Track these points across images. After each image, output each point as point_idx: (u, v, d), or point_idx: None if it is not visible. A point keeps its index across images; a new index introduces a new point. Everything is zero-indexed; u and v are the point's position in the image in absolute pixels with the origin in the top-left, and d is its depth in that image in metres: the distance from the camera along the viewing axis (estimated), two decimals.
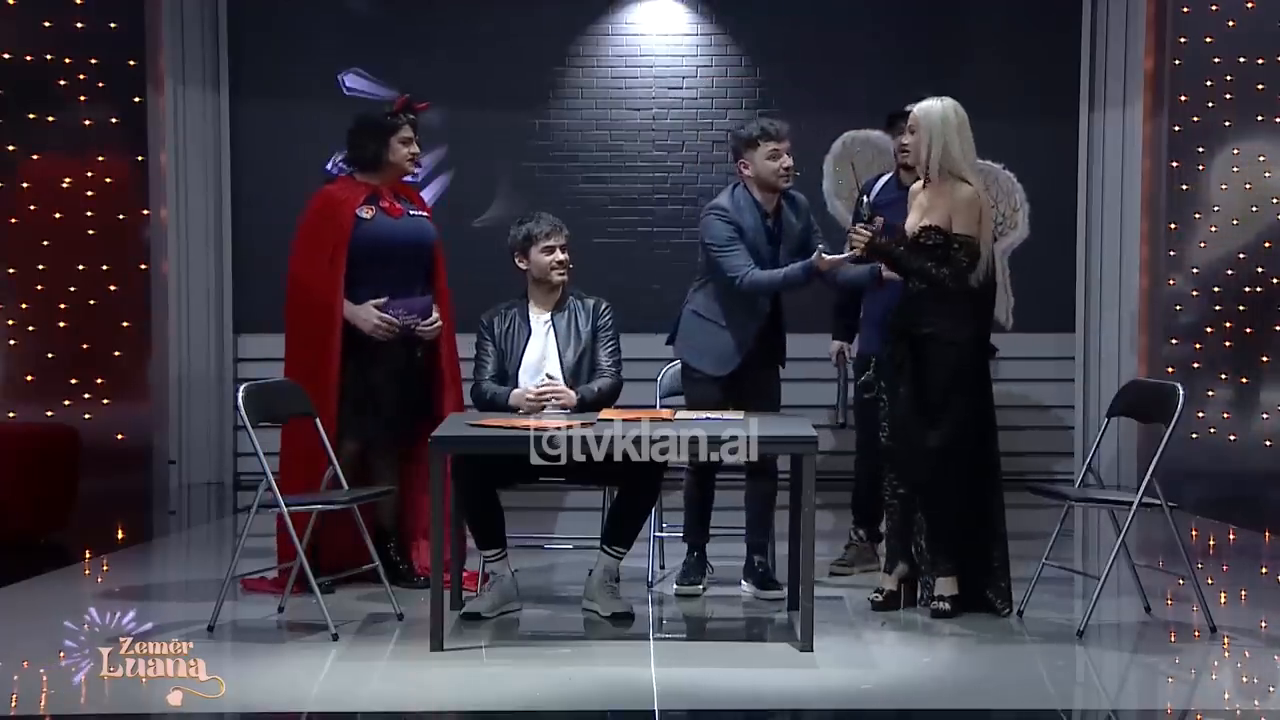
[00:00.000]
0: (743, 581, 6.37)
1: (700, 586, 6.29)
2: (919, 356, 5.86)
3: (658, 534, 6.60)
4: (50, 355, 9.09)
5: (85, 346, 9.14)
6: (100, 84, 9.12)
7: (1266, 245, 9.41)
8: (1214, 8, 9.39)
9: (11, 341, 9.06)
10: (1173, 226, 9.43)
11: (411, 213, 6.49)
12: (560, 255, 6.25)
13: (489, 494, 5.92)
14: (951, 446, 5.81)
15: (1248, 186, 9.43)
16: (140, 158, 9.22)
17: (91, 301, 9.15)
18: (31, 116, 9.04)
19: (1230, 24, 9.37)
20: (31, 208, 9.10)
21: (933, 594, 5.90)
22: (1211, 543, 7.85)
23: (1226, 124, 9.41)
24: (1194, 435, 9.22)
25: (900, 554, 6.05)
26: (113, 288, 9.19)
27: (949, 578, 5.88)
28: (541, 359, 6.20)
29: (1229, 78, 9.37)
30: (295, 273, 6.39)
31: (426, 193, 9.14)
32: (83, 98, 9.10)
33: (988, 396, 5.98)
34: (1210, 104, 9.40)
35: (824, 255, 6.02)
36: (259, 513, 5.67)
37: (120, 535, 7.97)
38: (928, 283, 5.81)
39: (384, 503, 6.38)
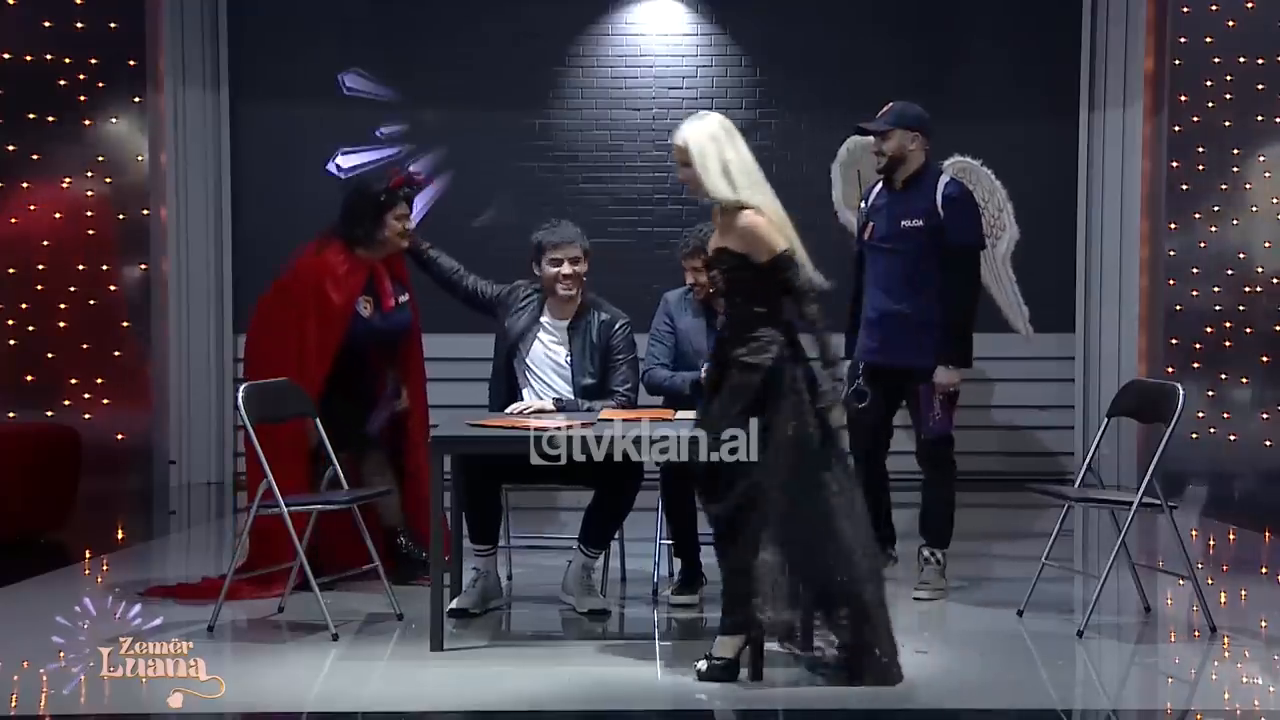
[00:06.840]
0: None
1: (695, 597, 6.17)
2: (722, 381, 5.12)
3: (663, 541, 6.46)
4: (50, 355, 9.09)
5: (85, 346, 9.13)
6: (100, 84, 9.11)
7: (1266, 245, 9.40)
8: (1214, 8, 9.38)
9: (11, 341, 9.05)
10: (1173, 226, 9.42)
11: (400, 299, 6.46)
12: (567, 269, 6.00)
13: (493, 491, 5.94)
14: (743, 491, 4.93)
15: (1248, 186, 9.41)
16: (140, 158, 9.21)
17: (91, 301, 9.14)
18: (32, 116, 9.03)
19: (1230, 24, 9.36)
20: (31, 208, 9.10)
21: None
22: (1211, 543, 7.85)
23: (1226, 124, 9.40)
24: (1194, 435, 9.21)
25: None
26: (113, 288, 9.19)
27: (725, 637, 5.04)
28: (551, 365, 6.09)
29: (1229, 78, 9.35)
30: (273, 343, 6.30)
31: (423, 197, 9.09)
32: (83, 98, 9.09)
33: (797, 437, 4.93)
34: (1210, 104, 9.39)
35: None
36: (260, 512, 5.68)
37: (120, 535, 7.97)
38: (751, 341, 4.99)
39: (387, 502, 6.37)
